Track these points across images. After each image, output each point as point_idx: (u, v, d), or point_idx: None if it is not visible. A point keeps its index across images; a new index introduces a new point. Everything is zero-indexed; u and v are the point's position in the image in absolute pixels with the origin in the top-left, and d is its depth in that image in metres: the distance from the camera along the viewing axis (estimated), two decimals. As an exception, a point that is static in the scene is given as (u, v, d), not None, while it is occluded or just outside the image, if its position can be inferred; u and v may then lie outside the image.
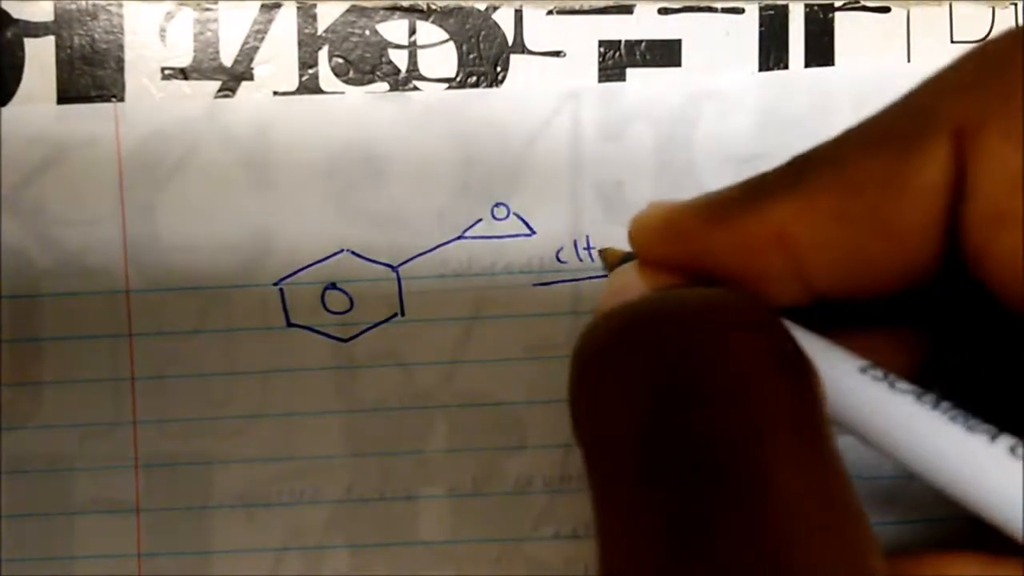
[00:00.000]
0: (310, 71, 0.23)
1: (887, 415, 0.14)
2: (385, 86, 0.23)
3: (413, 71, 0.23)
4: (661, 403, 0.13)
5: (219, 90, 0.23)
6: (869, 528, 0.13)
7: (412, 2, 0.23)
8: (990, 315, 0.15)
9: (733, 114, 0.23)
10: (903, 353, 0.17)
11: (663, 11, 0.23)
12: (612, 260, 0.20)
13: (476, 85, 0.23)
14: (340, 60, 0.23)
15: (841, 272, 0.15)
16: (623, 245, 0.24)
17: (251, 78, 0.23)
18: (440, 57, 0.23)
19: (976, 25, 0.23)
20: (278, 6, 0.23)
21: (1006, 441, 0.14)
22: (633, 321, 0.14)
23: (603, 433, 0.14)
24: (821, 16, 0.23)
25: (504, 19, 0.23)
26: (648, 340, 0.14)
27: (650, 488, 0.13)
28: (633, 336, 0.14)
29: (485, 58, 0.23)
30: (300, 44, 0.23)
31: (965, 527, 0.14)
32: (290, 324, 0.23)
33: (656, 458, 0.13)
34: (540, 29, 0.23)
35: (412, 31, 0.23)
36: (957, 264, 0.14)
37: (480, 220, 0.23)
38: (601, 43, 0.23)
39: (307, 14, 0.23)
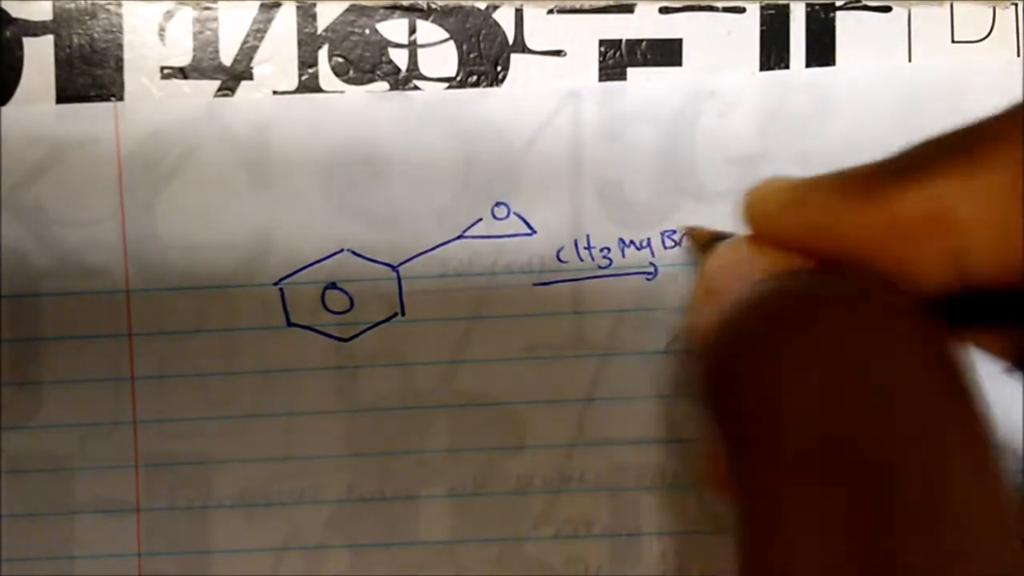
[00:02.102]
0: (310, 70, 0.23)
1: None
2: (385, 85, 0.23)
3: (413, 70, 0.23)
4: (841, 402, 0.12)
5: (219, 89, 0.23)
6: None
7: (412, 1, 0.23)
8: None
9: (734, 114, 0.23)
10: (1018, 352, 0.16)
11: (664, 10, 0.23)
12: (702, 239, 0.19)
13: (476, 85, 0.23)
14: (340, 59, 0.23)
15: (1006, 257, 0.13)
16: (622, 244, 0.24)
17: (251, 77, 0.23)
18: (440, 56, 0.23)
19: (977, 25, 0.23)
20: (278, 5, 0.23)
21: None
22: (801, 304, 0.13)
23: (771, 429, 0.13)
24: (822, 16, 0.23)
25: (504, 18, 0.23)
26: (820, 327, 0.13)
27: (830, 488, 0.12)
28: (806, 329, 0.13)
29: (485, 57, 0.23)
30: (300, 43, 0.23)
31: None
32: (290, 324, 0.23)
33: (832, 450, 0.12)
34: (540, 28, 0.23)
35: (412, 30, 0.23)
36: None
37: (480, 220, 0.23)
38: (602, 42, 0.23)
39: (307, 13, 0.23)
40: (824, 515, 0.12)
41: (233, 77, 0.23)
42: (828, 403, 0.12)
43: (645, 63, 0.23)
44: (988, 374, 0.14)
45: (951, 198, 0.13)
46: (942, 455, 0.12)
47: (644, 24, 0.23)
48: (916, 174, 0.13)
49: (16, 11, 0.22)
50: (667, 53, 0.23)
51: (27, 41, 0.22)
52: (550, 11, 0.23)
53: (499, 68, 0.23)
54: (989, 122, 0.14)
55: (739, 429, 0.13)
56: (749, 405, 0.13)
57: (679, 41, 0.23)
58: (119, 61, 0.23)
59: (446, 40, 0.23)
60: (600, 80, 0.23)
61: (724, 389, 0.13)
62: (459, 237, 0.23)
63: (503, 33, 0.23)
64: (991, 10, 0.23)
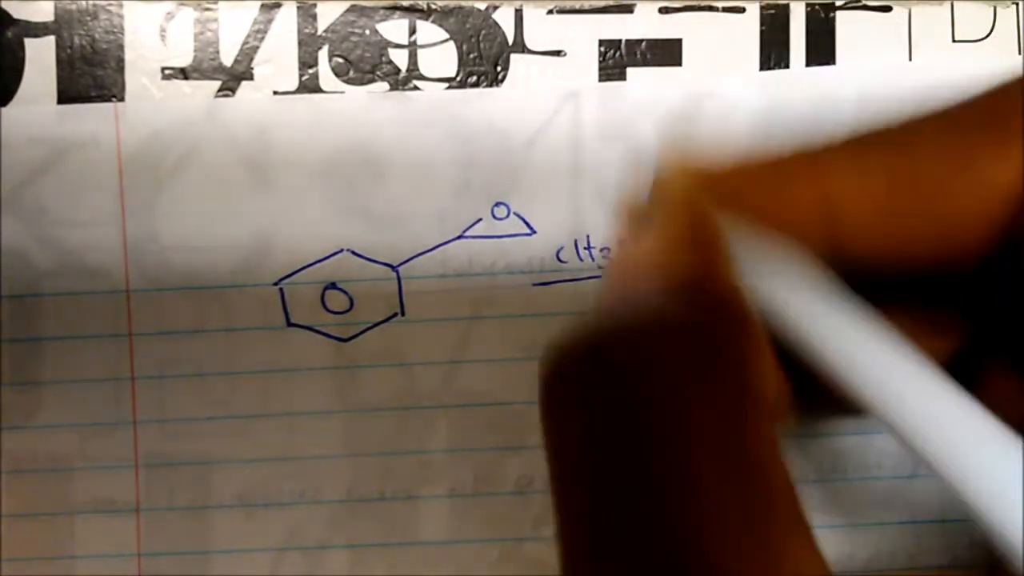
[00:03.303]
0: (310, 71, 0.23)
1: (905, 394, 0.14)
2: (385, 86, 0.23)
3: (413, 71, 0.23)
4: (602, 433, 0.13)
5: (219, 90, 0.23)
6: (800, 534, 0.13)
7: (412, 2, 0.23)
8: None
9: (733, 114, 0.23)
10: (940, 337, 0.17)
11: (664, 10, 0.23)
12: (635, 215, 0.20)
13: (476, 85, 0.23)
14: (340, 60, 0.23)
15: (881, 251, 0.14)
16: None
17: (251, 78, 0.23)
18: (440, 57, 0.23)
19: (977, 25, 0.23)
20: (278, 6, 0.23)
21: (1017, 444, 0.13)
22: (579, 343, 0.15)
23: (563, 450, 0.14)
24: (822, 15, 0.23)
25: (504, 18, 0.23)
26: (588, 366, 0.14)
27: (585, 493, 0.13)
28: (576, 361, 0.14)
29: (485, 58, 0.23)
30: (300, 44, 0.23)
31: (965, 529, 0.14)
32: (290, 324, 0.23)
33: (593, 462, 0.13)
34: (540, 28, 0.23)
35: (412, 31, 0.23)
36: (1009, 258, 0.14)
37: (480, 220, 0.23)
38: (601, 42, 0.23)
39: (307, 14, 0.23)
40: (579, 519, 0.13)
41: (234, 77, 0.23)
42: (590, 441, 0.14)
43: (645, 63, 0.23)
44: None
45: (838, 190, 0.14)
46: (688, 458, 0.13)
47: (644, 24, 0.23)
48: (817, 163, 0.15)
49: (17, 12, 0.22)
50: (667, 53, 0.23)
51: (28, 42, 0.22)
52: (550, 11, 0.23)
53: (499, 68, 0.23)
54: (890, 126, 0.15)
55: (547, 456, 0.15)
56: (544, 428, 0.15)
57: (679, 41, 0.23)
58: (120, 62, 0.23)
59: (446, 40, 0.23)
60: (600, 80, 0.23)
61: (540, 408, 0.15)
62: (459, 237, 0.23)
63: (503, 33, 0.23)
64: (991, 10, 0.23)
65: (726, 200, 0.15)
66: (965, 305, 0.17)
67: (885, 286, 0.16)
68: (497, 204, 0.23)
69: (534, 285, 0.23)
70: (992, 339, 0.17)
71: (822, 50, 0.23)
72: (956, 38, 0.23)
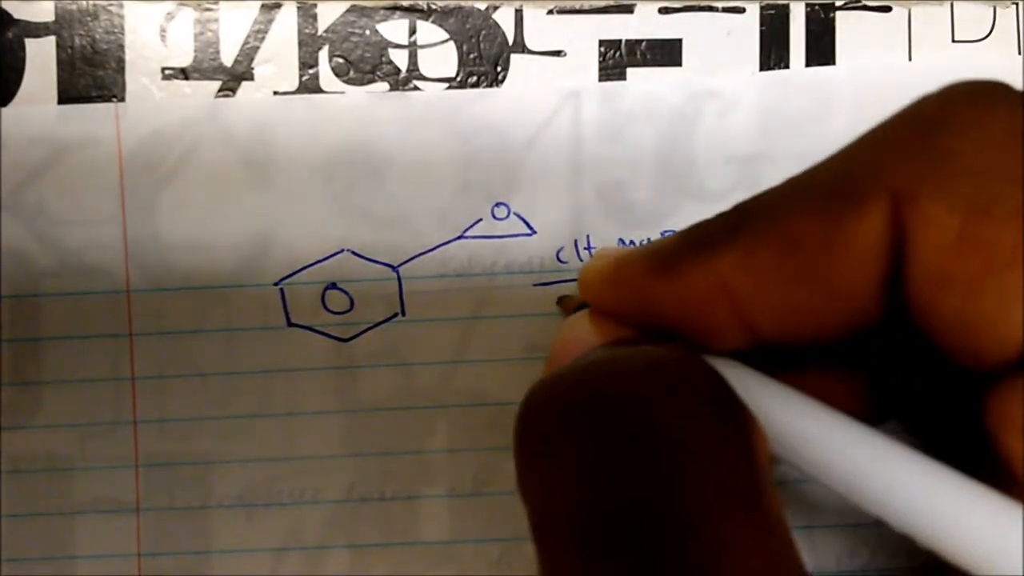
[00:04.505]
0: (310, 71, 0.23)
1: (838, 453, 0.14)
2: (385, 86, 0.23)
3: (413, 71, 0.23)
4: (604, 477, 0.13)
5: (219, 90, 0.23)
6: None
7: (412, 2, 0.23)
8: (935, 359, 0.15)
9: (733, 114, 0.23)
10: (853, 395, 0.17)
11: (664, 10, 0.23)
12: (569, 307, 0.20)
13: (476, 85, 0.23)
14: (340, 60, 0.23)
15: (785, 323, 0.15)
16: (623, 244, 0.24)
17: (251, 78, 0.23)
18: (440, 57, 0.23)
19: (977, 25, 0.23)
20: (278, 6, 0.23)
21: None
22: (577, 393, 0.14)
23: (549, 504, 0.14)
24: (822, 15, 0.23)
25: (504, 19, 0.23)
26: (593, 416, 0.14)
27: (597, 564, 0.13)
28: (577, 410, 0.14)
29: (485, 58, 0.23)
30: (300, 44, 0.23)
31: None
32: (290, 324, 0.23)
33: (603, 533, 0.13)
34: (540, 29, 0.23)
35: (412, 31, 0.23)
36: (902, 313, 0.14)
37: (480, 220, 0.23)
38: (601, 43, 0.23)
39: (307, 14, 0.23)
40: None
41: (234, 78, 0.23)
42: (595, 482, 0.13)
43: (645, 63, 0.23)
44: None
45: (728, 273, 0.14)
46: (715, 524, 0.12)
47: (644, 24, 0.23)
48: (703, 249, 0.15)
49: (18, 12, 0.22)
50: (667, 53, 0.23)
51: (29, 42, 0.23)
52: (550, 11, 0.23)
53: (499, 68, 0.23)
54: (761, 197, 0.15)
55: (524, 494, 0.14)
56: (528, 475, 0.14)
57: (679, 41, 0.23)
58: (120, 62, 0.23)
59: (446, 41, 0.23)
60: (600, 80, 0.23)
61: (516, 453, 0.14)
62: (459, 237, 0.23)
63: (503, 33, 0.23)
64: (991, 10, 0.23)
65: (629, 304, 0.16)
66: (876, 360, 0.17)
67: (805, 353, 0.16)
68: (497, 204, 0.23)
69: (534, 285, 0.23)
70: (891, 402, 0.17)
71: (822, 50, 0.23)
72: (956, 38, 0.23)
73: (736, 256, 0.14)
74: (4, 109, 0.22)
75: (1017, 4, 0.23)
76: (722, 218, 0.15)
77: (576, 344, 0.16)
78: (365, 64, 0.23)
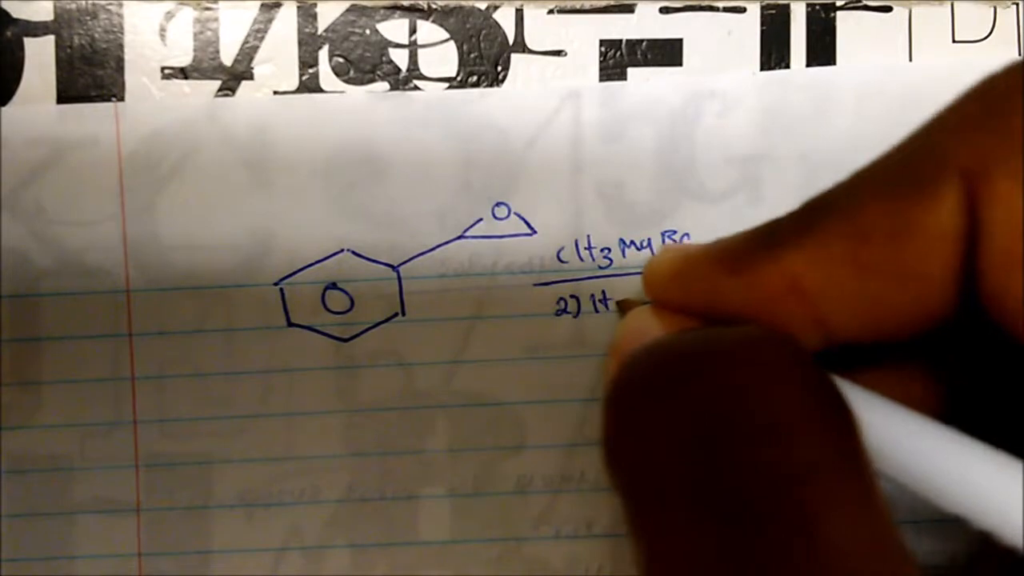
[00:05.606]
0: (310, 71, 0.23)
1: (918, 453, 0.14)
2: (385, 86, 0.23)
3: (413, 71, 0.23)
4: (710, 441, 0.13)
5: (219, 90, 0.23)
6: (916, 569, 0.12)
7: (412, 1, 0.23)
8: (1010, 354, 0.14)
9: (734, 114, 0.23)
10: (928, 394, 0.17)
11: (664, 10, 0.23)
12: (627, 308, 0.20)
13: (477, 85, 0.23)
14: (340, 59, 0.23)
15: (859, 318, 0.14)
16: (623, 244, 0.24)
17: (251, 78, 0.23)
18: (440, 56, 0.23)
19: (978, 25, 0.23)
20: (278, 5, 0.23)
21: None
22: (677, 357, 0.14)
23: (650, 471, 0.13)
24: (823, 15, 0.23)
25: (505, 18, 0.23)
26: (695, 377, 0.13)
27: (702, 525, 0.12)
28: (678, 373, 0.14)
29: (486, 57, 0.23)
30: (300, 43, 0.23)
31: (962, 529, 0.14)
32: (290, 324, 0.23)
33: (708, 496, 0.13)
34: (541, 28, 0.23)
35: (412, 30, 0.23)
36: (976, 304, 0.14)
37: (480, 220, 0.23)
38: (602, 42, 0.23)
39: (307, 13, 0.23)
40: (698, 552, 0.12)
41: (234, 77, 0.23)
42: (700, 446, 0.13)
43: (645, 63, 0.23)
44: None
45: (800, 270, 0.14)
46: (816, 497, 0.12)
47: (644, 24, 0.23)
48: (774, 245, 0.15)
49: (17, 11, 0.22)
50: (667, 53, 0.23)
51: (28, 41, 0.22)
52: (550, 11, 0.23)
53: (499, 68, 0.23)
54: (832, 191, 0.15)
55: (620, 472, 0.14)
56: (625, 449, 0.14)
57: (679, 41, 0.23)
58: (120, 61, 0.23)
59: (446, 40, 0.23)
60: (600, 80, 0.23)
61: (609, 435, 0.14)
62: (459, 237, 0.23)
63: (503, 33, 0.23)
64: (992, 10, 0.23)
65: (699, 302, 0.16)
66: (947, 356, 0.17)
67: (879, 350, 0.16)
68: (497, 204, 0.23)
69: (534, 285, 0.23)
70: (967, 401, 0.17)
71: (822, 50, 0.23)
72: (956, 38, 0.23)
73: (808, 252, 0.14)
74: (3, 109, 0.22)
75: (1017, 4, 0.23)
76: (793, 214, 0.15)
77: (641, 334, 0.16)
78: (365, 64, 0.23)
